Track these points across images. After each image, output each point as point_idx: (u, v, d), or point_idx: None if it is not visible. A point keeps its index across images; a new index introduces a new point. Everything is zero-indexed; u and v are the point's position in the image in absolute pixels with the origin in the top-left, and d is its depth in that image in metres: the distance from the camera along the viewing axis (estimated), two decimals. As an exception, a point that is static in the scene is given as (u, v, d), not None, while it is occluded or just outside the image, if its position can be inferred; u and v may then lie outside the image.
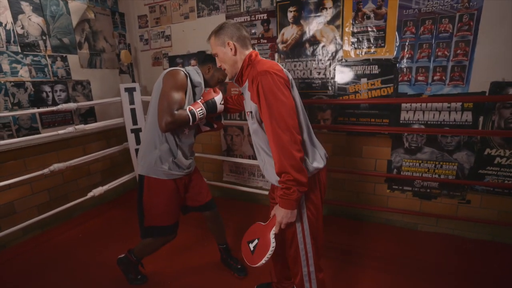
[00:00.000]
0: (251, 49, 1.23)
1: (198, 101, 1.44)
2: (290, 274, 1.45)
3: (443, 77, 1.99)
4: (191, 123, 1.37)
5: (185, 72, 1.44)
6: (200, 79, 1.52)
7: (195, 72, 1.51)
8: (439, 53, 1.96)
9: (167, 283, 1.80)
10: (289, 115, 1.02)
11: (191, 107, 1.37)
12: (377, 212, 2.40)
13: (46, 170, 2.14)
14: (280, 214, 1.07)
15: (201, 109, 1.40)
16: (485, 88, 1.90)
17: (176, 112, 1.30)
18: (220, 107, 1.48)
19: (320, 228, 1.20)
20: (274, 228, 1.09)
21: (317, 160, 1.15)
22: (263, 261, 1.06)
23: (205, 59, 1.56)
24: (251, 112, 1.17)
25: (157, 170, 1.46)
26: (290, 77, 1.16)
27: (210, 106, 1.44)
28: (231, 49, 1.18)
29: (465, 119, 1.99)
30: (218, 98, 1.47)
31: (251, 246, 1.13)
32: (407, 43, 2.03)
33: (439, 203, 2.20)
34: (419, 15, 1.96)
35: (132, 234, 2.36)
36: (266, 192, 2.58)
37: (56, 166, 2.18)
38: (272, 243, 1.07)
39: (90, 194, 2.42)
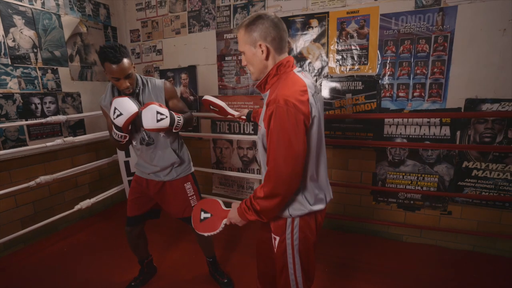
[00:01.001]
0: (286, 54, 1.05)
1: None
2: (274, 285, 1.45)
3: (422, 93, 2.10)
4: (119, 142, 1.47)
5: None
6: (109, 93, 1.51)
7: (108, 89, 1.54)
8: (418, 71, 2.08)
9: (153, 298, 1.78)
10: (292, 158, 0.92)
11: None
12: (363, 223, 2.45)
13: (32, 183, 2.11)
14: (233, 214, 1.09)
15: (113, 130, 1.43)
16: (461, 104, 2.01)
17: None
18: (117, 120, 1.35)
19: (312, 261, 1.15)
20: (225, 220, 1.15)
21: (320, 203, 1.07)
22: (205, 234, 1.17)
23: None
24: (261, 128, 1.04)
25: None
26: (315, 108, 0.97)
27: (113, 124, 1.40)
28: (262, 51, 0.99)
29: (444, 133, 2.09)
30: (111, 111, 1.36)
31: (203, 215, 1.20)
32: (388, 61, 2.15)
33: (423, 214, 2.27)
34: (398, 36, 2.09)
35: (119, 247, 2.33)
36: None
37: (42, 179, 2.15)
38: (219, 229, 1.15)
39: (77, 207, 2.39)
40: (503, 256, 2.08)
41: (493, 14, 1.84)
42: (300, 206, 1.04)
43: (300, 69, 1.07)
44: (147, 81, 1.53)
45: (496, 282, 1.84)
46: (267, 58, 1.01)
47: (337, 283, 1.86)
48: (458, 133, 2.06)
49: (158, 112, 1.35)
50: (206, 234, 1.16)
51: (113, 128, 1.40)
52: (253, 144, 2.74)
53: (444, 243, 2.24)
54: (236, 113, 1.68)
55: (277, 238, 1.12)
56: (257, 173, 2.75)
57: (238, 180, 2.87)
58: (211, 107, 1.71)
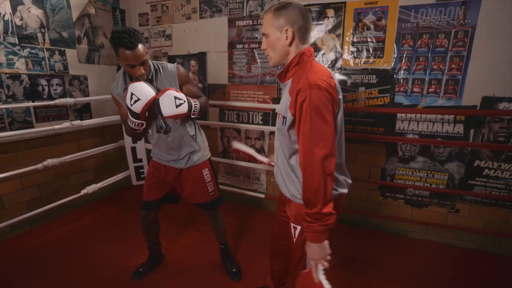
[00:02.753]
0: (308, 44, 1.06)
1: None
2: (285, 280, 1.45)
3: (438, 90, 2.06)
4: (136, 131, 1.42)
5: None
6: (121, 81, 1.44)
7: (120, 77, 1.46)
8: (435, 67, 2.04)
9: (161, 283, 1.78)
10: (330, 135, 0.93)
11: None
12: (370, 218, 2.45)
13: (39, 165, 2.09)
14: (311, 250, 0.97)
15: (129, 119, 1.36)
16: (477, 102, 1.98)
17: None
18: (135, 106, 1.29)
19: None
20: (319, 268, 0.98)
21: (342, 187, 1.09)
22: None
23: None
24: (284, 118, 1.04)
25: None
26: (340, 95, 1.01)
27: (130, 111, 1.34)
28: (287, 37, 1.00)
29: (457, 131, 2.07)
30: (128, 97, 1.29)
31: None
32: (404, 55, 2.10)
33: (430, 212, 2.26)
34: (417, 29, 2.03)
35: (125, 232, 2.33)
36: (261, 195, 2.60)
37: (50, 162, 2.14)
38: (326, 285, 0.95)
39: (83, 191, 2.38)
40: (509, 256, 2.08)
41: (516, 9, 1.79)
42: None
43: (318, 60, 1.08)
44: (158, 66, 1.48)
45: (500, 282, 1.85)
46: (290, 44, 1.01)
47: (341, 275, 1.87)
48: (472, 131, 2.03)
49: (176, 98, 1.31)
50: None
51: (129, 115, 1.33)
52: (262, 135, 2.71)
53: (450, 240, 2.25)
54: (265, 160, 1.47)
55: (298, 228, 1.10)
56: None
57: (245, 170, 2.85)
58: (241, 154, 1.57)
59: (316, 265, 0.97)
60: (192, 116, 1.42)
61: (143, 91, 1.28)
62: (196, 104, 1.41)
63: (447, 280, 1.85)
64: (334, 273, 1.86)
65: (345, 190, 1.10)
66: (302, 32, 1.01)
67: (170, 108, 1.30)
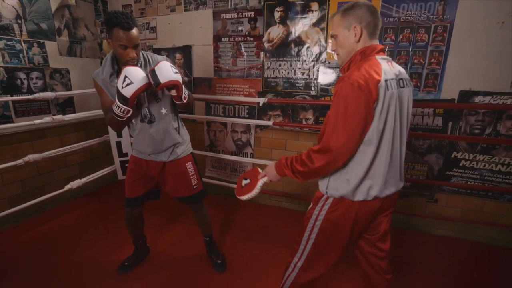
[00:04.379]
0: (377, 40, 1.07)
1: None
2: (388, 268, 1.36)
3: (418, 83, 2.11)
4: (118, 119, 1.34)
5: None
6: (108, 66, 1.39)
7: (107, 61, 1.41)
8: (415, 61, 2.09)
9: (147, 276, 1.80)
10: (348, 130, 0.95)
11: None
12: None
13: (20, 161, 2.05)
14: (270, 169, 1.18)
15: (115, 104, 1.29)
16: (455, 96, 2.04)
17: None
18: (126, 90, 1.24)
19: (332, 250, 1.14)
20: (264, 178, 1.23)
21: (363, 194, 1.04)
22: (244, 197, 1.25)
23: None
24: None
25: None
26: (386, 93, 0.97)
27: (119, 95, 1.27)
28: (355, 34, 1.03)
29: (436, 124, 2.14)
30: (120, 80, 1.25)
31: (244, 182, 1.31)
32: (386, 49, 2.14)
33: (410, 202, 2.35)
34: (398, 23, 2.07)
35: (110, 227, 2.33)
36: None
37: (31, 157, 2.09)
38: (257, 189, 1.23)
39: (67, 187, 2.35)
40: (483, 242, 2.19)
41: (492, 6, 1.84)
42: (338, 187, 1.06)
43: (386, 57, 1.06)
44: (148, 57, 1.47)
45: (473, 267, 1.95)
46: (358, 40, 1.04)
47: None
48: (450, 124, 2.10)
49: (172, 67, 1.29)
50: (245, 197, 1.24)
51: (117, 100, 1.28)
52: (247, 128, 2.72)
53: (428, 229, 2.34)
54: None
55: (311, 204, 1.18)
56: (250, 157, 2.75)
57: (231, 164, 2.87)
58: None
59: (263, 176, 1.23)
60: (184, 101, 1.41)
61: (137, 75, 1.25)
62: (186, 90, 1.41)
63: (424, 267, 1.93)
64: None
65: (364, 198, 1.04)
66: (371, 28, 1.03)
67: (167, 73, 1.26)
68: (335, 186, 1.07)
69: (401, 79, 1.05)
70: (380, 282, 1.26)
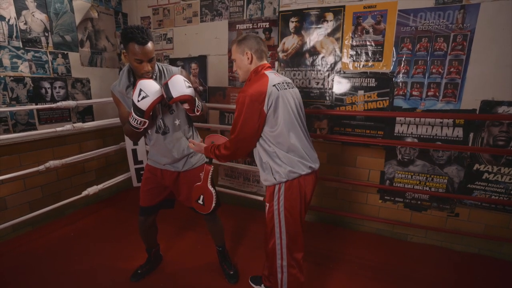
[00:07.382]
0: (265, 61, 1.40)
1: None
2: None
3: (437, 93, 2.06)
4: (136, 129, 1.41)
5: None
6: (125, 78, 1.44)
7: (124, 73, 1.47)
8: (434, 70, 2.04)
9: (159, 285, 1.80)
10: (243, 131, 1.27)
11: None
12: (369, 221, 2.45)
13: (41, 167, 2.12)
14: (199, 148, 1.48)
15: (132, 116, 1.35)
16: (476, 106, 1.97)
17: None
18: (141, 103, 1.29)
19: (298, 229, 1.36)
20: (208, 180, 1.48)
21: (299, 169, 1.31)
22: (213, 205, 1.48)
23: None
24: None
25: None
26: (275, 97, 1.27)
27: (135, 108, 1.33)
28: (248, 58, 1.36)
29: (456, 135, 2.06)
30: (136, 93, 1.30)
31: (200, 201, 1.49)
32: (403, 59, 2.10)
33: (429, 215, 2.25)
34: (415, 33, 2.04)
35: (124, 233, 2.35)
36: (261, 198, 2.60)
37: (52, 163, 2.17)
38: (213, 191, 1.45)
39: (84, 193, 2.41)
40: (508, 261, 2.07)
41: (516, 13, 1.78)
42: (281, 172, 1.30)
43: (273, 70, 1.41)
44: (163, 68, 1.51)
45: (497, 286, 1.83)
46: (250, 62, 1.37)
47: (338, 278, 1.87)
48: (471, 135, 2.02)
49: (185, 81, 1.33)
50: (213, 204, 1.49)
51: (133, 113, 1.33)
52: (261, 138, 2.72)
53: (449, 244, 2.24)
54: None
55: (267, 205, 1.38)
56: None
57: (244, 173, 2.86)
58: None
59: (207, 175, 1.52)
60: (197, 113, 1.44)
61: (152, 88, 1.29)
62: (198, 102, 1.43)
63: (444, 284, 1.84)
64: (330, 276, 1.87)
65: (302, 172, 1.31)
66: (259, 53, 1.36)
67: (180, 88, 1.30)
68: (278, 170, 1.30)
69: (287, 83, 1.38)
70: None
